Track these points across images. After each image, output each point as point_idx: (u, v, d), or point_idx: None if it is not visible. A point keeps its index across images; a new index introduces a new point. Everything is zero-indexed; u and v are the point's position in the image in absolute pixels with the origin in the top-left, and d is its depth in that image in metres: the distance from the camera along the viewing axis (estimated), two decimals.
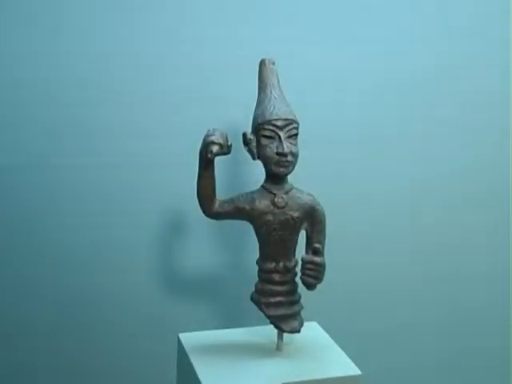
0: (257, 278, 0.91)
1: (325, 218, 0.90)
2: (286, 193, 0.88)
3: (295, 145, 0.87)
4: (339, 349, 0.95)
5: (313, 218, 0.89)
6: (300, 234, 0.90)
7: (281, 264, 0.89)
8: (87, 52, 0.98)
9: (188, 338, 0.96)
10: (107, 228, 1.04)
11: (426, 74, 1.13)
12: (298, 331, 0.91)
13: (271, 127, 0.86)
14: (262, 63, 0.91)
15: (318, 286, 0.87)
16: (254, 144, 0.88)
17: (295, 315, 0.91)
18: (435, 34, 1.12)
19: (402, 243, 1.18)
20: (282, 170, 0.87)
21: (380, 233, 1.17)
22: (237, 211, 0.89)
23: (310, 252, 0.87)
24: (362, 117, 1.13)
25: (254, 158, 0.89)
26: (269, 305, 0.90)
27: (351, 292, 1.17)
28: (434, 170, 1.16)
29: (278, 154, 0.86)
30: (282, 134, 0.86)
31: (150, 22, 1.00)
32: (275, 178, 0.88)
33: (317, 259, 0.85)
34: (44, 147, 1.00)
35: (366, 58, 1.11)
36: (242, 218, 0.90)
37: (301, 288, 0.89)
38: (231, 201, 0.89)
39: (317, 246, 0.86)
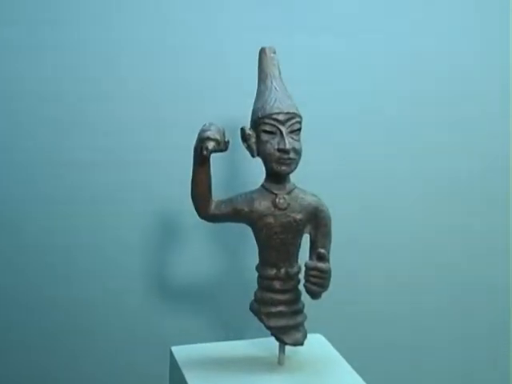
0: (256, 286, 0.90)
1: (330, 221, 0.89)
2: (288, 193, 0.87)
3: (298, 141, 0.86)
4: (346, 363, 0.94)
5: (317, 221, 0.88)
6: (303, 238, 0.89)
7: (282, 270, 0.88)
8: (68, 41, 0.98)
9: (181, 351, 0.95)
10: (91, 231, 1.04)
11: (436, 64, 1.13)
12: (302, 344, 0.90)
13: (272, 121, 0.85)
14: (262, 52, 0.89)
15: (323, 295, 0.86)
16: (254, 140, 0.87)
17: (298, 326, 0.90)
18: (445, 24, 1.12)
19: (414, 250, 1.18)
20: (283, 168, 0.86)
21: (391, 238, 1.17)
22: (234, 213, 0.87)
23: (314, 257, 0.86)
24: (370, 111, 1.12)
25: (253, 156, 0.88)
26: (269, 315, 0.89)
27: (359, 301, 1.16)
28: (443, 167, 1.17)
29: (279, 150, 0.84)
30: (283, 128, 0.85)
31: (141, 9, 1.00)
32: (276, 176, 0.87)
33: (321, 265, 0.83)
34: (19, 143, 0.99)
35: (375, 47, 1.10)
36: (240, 221, 0.88)
37: (304, 297, 0.88)
38: (228, 202, 0.88)
39: (321, 250, 0.84)
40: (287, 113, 0.86)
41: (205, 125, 0.84)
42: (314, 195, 0.89)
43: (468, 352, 1.22)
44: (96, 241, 1.05)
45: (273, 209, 0.87)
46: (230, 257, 1.10)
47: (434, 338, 1.21)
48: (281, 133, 0.85)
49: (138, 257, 1.07)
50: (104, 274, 1.06)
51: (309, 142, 0.89)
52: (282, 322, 0.89)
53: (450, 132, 1.16)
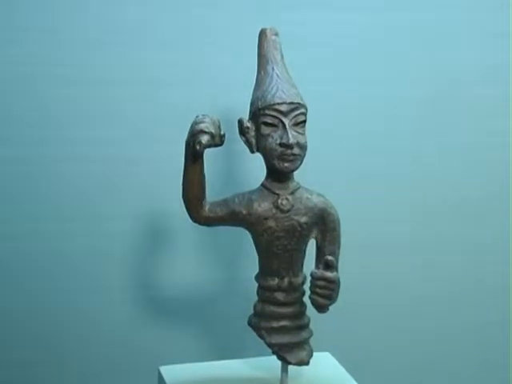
0: (256, 298, 0.89)
1: (339, 225, 0.87)
2: (292, 193, 0.86)
3: (303, 134, 0.85)
4: None
5: (325, 224, 0.87)
6: (309, 244, 0.88)
7: (285, 280, 0.87)
8: (42, 21, 0.99)
9: (170, 372, 0.94)
10: (70, 236, 1.03)
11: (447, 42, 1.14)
12: (307, 363, 0.89)
13: (274, 113, 0.84)
14: (263, 34, 0.88)
15: (331, 308, 0.84)
16: (253, 133, 0.86)
17: (303, 344, 0.89)
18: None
19: (428, 263, 1.18)
20: (286, 165, 0.84)
21: (402, 244, 1.17)
22: (231, 216, 0.86)
23: (321, 266, 0.85)
24: (383, 101, 1.12)
25: (252, 151, 0.87)
26: (270, 331, 0.87)
27: (372, 316, 1.16)
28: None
29: (281, 145, 0.83)
30: (286, 120, 0.83)
31: None
32: (278, 175, 0.86)
33: (329, 275, 0.82)
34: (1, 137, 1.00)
35: (387, 26, 1.10)
36: (238, 225, 0.87)
37: (310, 310, 0.87)
38: (224, 203, 0.87)
39: (329, 258, 0.83)
40: (291, 103, 0.84)
41: (197, 116, 0.82)
42: (320, 195, 0.88)
43: (476, 368, 1.23)
44: (74, 249, 1.04)
45: (274, 211, 0.86)
46: (226, 265, 1.09)
47: (448, 358, 1.21)
48: (283, 125, 0.83)
49: (121, 266, 1.06)
50: (84, 286, 1.05)
51: (315, 135, 0.87)
52: (284, 339, 0.87)
53: (453, 134, 1.17)
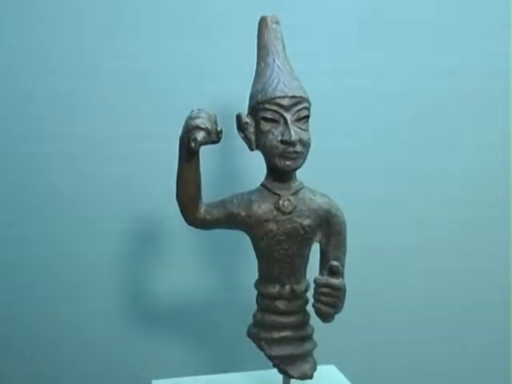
0: (255, 307, 0.89)
1: (345, 227, 0.87)
2: (294, 194, 0.86)
3: (306, 130, 0.84)
4: None
5: (329, 227, 0.86)
6: (312, 248, 0.88)
7: (287, 288, 0.87)
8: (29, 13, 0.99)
9: None
10: (53, 240, 1.03)
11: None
12: (310, 377, 0.89)
13: (274, 107, 0.83)
14: (263, 22, 0.87)
15: (336, 318, 0.84)
16: (252, 129, 0.85)
17: (306, 356, 0.88)
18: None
19: (437, 271, 1.18)
20: (288, 163, 0.84)
21: (411, 254, 1.17)
22: (229, 218, 0.86)
23: (325, 272, 0.84)
24: (389, 97, 1.12)
25: (251, 148, 0.86)
26: (271, 342, 0.87)
27: (378, 326, 1.16)
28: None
29: (283, 142, 0.82)
30: (288, 116, 0.83)
31: None
32: (279, 174, 0.85)
33: (334, 281, 0.81)
34: None
35: (390, 20, 1.11)
36: (236, 227, 0.87)
37: (313, 319, 0.86)
38: (222, 204, 0.86)
39: (334, 263, 0.82)
40: (293, 96, 0.83)
41: (193, 111, 0.81)
42: (325, 196, 0.87)
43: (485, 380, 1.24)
44: (58, 254, 1.04)
45: (275, 213, 0.85)
46: (224, 271, 1.09)
47: (457, 372, 1.21)
48: (285, 121, 0.83)
49: (110, 273, 1.06)
50: (69, 294, 1.04)
51: (318, 132, 0.87)
52: (286, 351, 0.87)
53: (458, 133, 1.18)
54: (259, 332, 0.88)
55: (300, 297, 0.88)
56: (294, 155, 0.83)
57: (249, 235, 0.87)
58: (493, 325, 1.22)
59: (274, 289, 0.87)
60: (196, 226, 0.87)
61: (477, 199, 1.19)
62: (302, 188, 0.86)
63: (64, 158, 1.02)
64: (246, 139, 0.86)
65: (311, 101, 0.85)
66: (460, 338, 1.21)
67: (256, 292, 0.89)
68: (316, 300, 0.82)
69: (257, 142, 0.85)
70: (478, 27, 1.15)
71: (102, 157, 1.03)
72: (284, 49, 0.87)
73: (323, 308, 0.82)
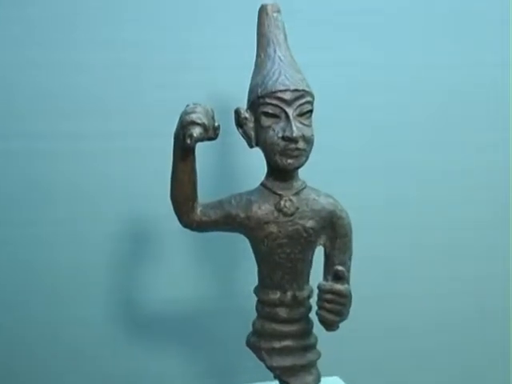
0: (255, 314, 0.89)
1: (351, 230, 0.87)
2: (296, 194, 0.85)
3: (309, 126, 0.84)
4: None
5: (334, 230, 0.86)
6: (316, 252, 0.87)
7: (289, 294, 0.86)
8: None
9: None
10: (39, 243, 1.03)
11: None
12: None
13: (275, 101, 0.83)
14: (263, 10, 0.87)
15: (342, 326, 0.83)
16: (252, 125, 0.85)
17: (309, 367, 0.88)
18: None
19: (445, 278, 1.18)
20: (290, 161, 0.83)
21: (420, 254, 1.17)
22: (227, 220, 0.85)
23: (329, 277, 0.84)
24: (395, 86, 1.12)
25: (250, 145, 0.86)
26: (272, 352, 0.87)
27: (385, 336, 1.16)
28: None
29: (284, 138, 0.82)
30: (290, 110, 0.82)
31: None
32: (281, 172, 0.85)
33: (339, 287, 0.80)
34: None
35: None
36: (235, 230, 0.87)
37: (317, 328, 0.86)
38: (219, 205, 0.86)
39: (339, 268, 0.81)
40: (295, 90, 0.83)
41: (188, 105, 0.81)
42: (329, 196, 0.87)
43: None
44: (45, 258, 1.03)
45: (276, 214, 0.85)
46: (221, 277, 1.09)
47: (464, 378, 1.21)
48: (286, 116, 0.82)
49: (100, 279, 1.05)
50: (56, 301, 1.04)
51: (321, 127, 0.86)
52: (288, 361, 0.87)
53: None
54: (259, 341, 0.87)
55: (302, 304, 0.87)
56: (296, 152, 0.83)
57: (248, 238, 0.87)
58: (503, 335, 1.22)
59: (275, 295, 0.86)
60: (192, 229, 0.86)
61: (490, 200, 1.19)
62: (304, 188, 0.86)
63: (48, 156, 1.02)
64: (245, 135, 0.85)
65: (314, 94, 0.84)
66: (469, 347, 1.20)
67: (255, 299, 0.88)
68: (320, 307, 0.81)
69: (256, 138, 0.85)
70: (488, 18, 1.15)
71: (89, 155, 1.03)
72: (286, 39, 0.87)
73: (327, 316, 0.81)
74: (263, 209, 0.85)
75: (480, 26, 1.16)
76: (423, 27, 1.14)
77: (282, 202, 0.85)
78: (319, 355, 0.89)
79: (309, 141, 0.83)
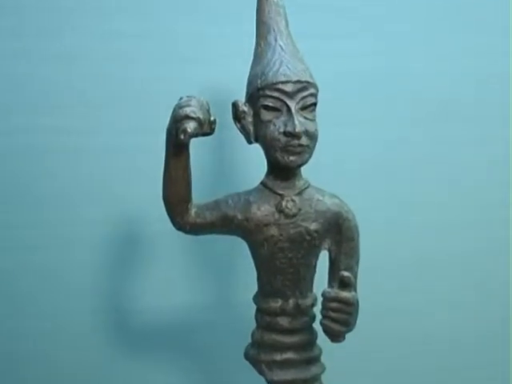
0: (254, 324, 0.88)
1: (358, 233, 0.86)
2: (299, 193, 0.85)
3: (312, 120, 0.83)
4: None
5: (340, 233, 0.86)
6: (320, 257, 0.87)
7: (291, 302, 0.86)
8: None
9: None
10: (19, 247, 1.03)
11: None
12: None
13: (276, 94, 0.82)
14: None
15: (348, 337, 0.82)
16: (250, 119, 0.85)
17: (313, 381, 0.87)
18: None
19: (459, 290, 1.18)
20: (292, 158, 0.83)
21: (434, 261, 1.16)
22: (224, 222, 0.85)
23: (335, 284, 0.83)
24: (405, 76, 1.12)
25: (249, 141, 0.85)
26: (272, 365, 0.86)
27: (394, 347, 1.15)
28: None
29: (286, 134, 0.81)
30: (292, 104, 0.82)
31: None
32: (282, 170, 0.84)
33: (346, 295, 0.80)
34: None
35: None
36: (232, 233, 0.86)
37: (322, 339, 0.85)
38: (215, 206, 0.85)
39: (346, 274, 0.81)
40: (297, 81, 0.82)
41: (181, 98, 0.80)
42: (334, 196, 0.86)
43: None
44: (26, 262, 1.04)
45: (277, 216, 0.85)
46: (217, 283, 1.09)
47: None
48: (288, 110, 0.82)
49: (87, 285, 1.05)
50: (40, 310, 1.04)
51: (327, 122, 0.86)
52: (289, 375, 0.87)
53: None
54: (259, 353, 0.87)
55: (306, 313, 0.87)
56: (298, 149, 0.82)
57: (246, 241, 0.86)
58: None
59: (276, 303, 0.86)
60: (185, 231, 0.86)
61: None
62: (308, 187, 0.85)
63: (29, 152, 1.02)
64: (244, 131, 0.85)
65: (319, 86, 0.83)
66: (482, 365, 1.20)
67: (255, 307, 0.88)
68: (324, 316, 0.80)
69: (256, 133, 0.84)
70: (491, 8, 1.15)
71: (74, 152, 1.03)
72: (287, 26, 0.86)
73: (332, 326, 0.80)
74: (263, 210, 0.85)
75: (483, 18, 1.16)
76: (425, 21, 1.14)
77: (284, 203, 0.84)
78: (324, 369, 0.88)
79: (312, 136, 0.83)
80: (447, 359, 1.20)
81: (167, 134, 0.81)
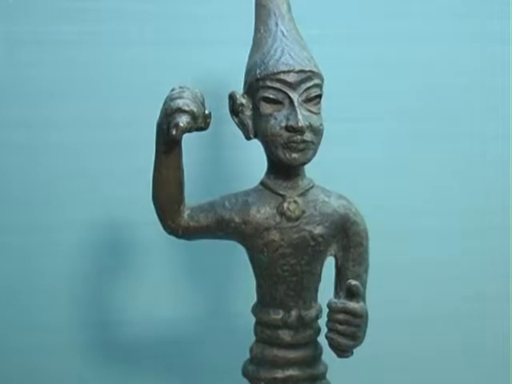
0: (253, 338, 0.87)
1: (368, 238, 0.86)
2: (303, 194, 0.84)
3: (317, 114, 0.82)
4: None
5: (347, 238, 0.85)
6: (326, 264, 0.86)
7: (293, 314, 0.85)
8: None
9: None
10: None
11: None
12: None
13: (278, 85, 0.81)
14: None
15: (356, 352, 0.81)
16: (249, 113, 0.84)
17: None
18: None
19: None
20: (295, 155, 0.81)
21: (446, 266, 1.16)
22: (220, 225, 0.84)
23: (342, 294, 0.83)
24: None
25: (248, 137, 0.84)
26: (273, 382, 0.86)
27: (409, 363, 1.15)
28: None
29: (288, 128, 0.80)
30: (294, 95, 0.81)
31: None
32: (284, 169, 0.83)
33: (354, 306, 0.78)
34: None
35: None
36: (229, 237, 0.85)
37: (327, 354, 0.84)
38: (210, 208, 0.85)
39: (353, 283, 0.79)
40: (301, 71, 0.81)
41: (173, 89, 0.79)
42: (342, 197, 0.86)
43: None
44: (5, 270, 1.04)
45: (278, 219, 0.84)
46: (213, 294, 1.09)
47: None
48: (291, 102, 0.81)
49: (70, 295, 1.05)
50: (19, 322, 1.04)
51: (332, 117, 0.86)
52: None
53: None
54: (258, 370, 0.86)
55: (310, 325, 0.86)
56: (302, 145, 0.81)
57: (245, 247, 0.85)
58: None
59: (277, 315, 0.85)
60: (178, 236, 0.85)
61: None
62: (312, 187, 0.84)
63: (4, 149, 1.02)
64: (242, 125, 0.84)
65: (324, 76, 0.82)
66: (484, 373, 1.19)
67: (254, 320, 0.87)
68: (330, 329, 0.79)
69: (255, 128, 0.84)
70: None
71: (55, 148, 1.03)
72: (290, 10, 0.85)
73: (339, 339, 0.79)
74: (263, 212, 0.84)
75: (487, 8, 1.15)
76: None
77: (286, 205, 0.84)
78: None
79: (317, 131, 0.82)
80: (450, 370, 1.19)
81: (157, 129, 0.80)
